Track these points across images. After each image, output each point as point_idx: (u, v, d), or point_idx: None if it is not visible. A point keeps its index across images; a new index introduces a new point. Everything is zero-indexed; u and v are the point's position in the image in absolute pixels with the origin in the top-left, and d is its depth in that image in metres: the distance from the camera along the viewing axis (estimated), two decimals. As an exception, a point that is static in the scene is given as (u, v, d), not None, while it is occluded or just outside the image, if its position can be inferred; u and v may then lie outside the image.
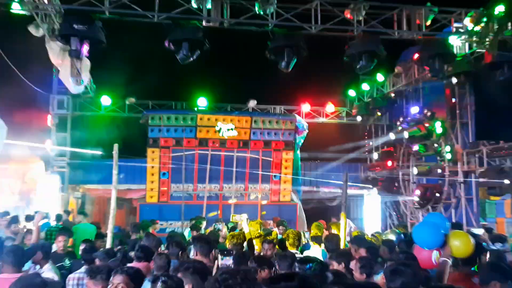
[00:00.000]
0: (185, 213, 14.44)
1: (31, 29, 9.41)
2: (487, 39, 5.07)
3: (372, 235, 9.64)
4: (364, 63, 10.19)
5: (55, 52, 10.42)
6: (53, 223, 10.76)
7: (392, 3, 10.55)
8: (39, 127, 15.37)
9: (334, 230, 8.91)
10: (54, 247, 7.55)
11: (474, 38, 5.10)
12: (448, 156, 14.00)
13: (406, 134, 14.68)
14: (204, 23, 9.71)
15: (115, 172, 8.44)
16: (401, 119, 16.06)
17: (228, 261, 3.48)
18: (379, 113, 17.33)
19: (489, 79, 11.64)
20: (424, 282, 4.04)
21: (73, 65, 10.75)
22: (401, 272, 3.68)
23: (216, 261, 3.49)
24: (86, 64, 11.48)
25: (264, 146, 16.37)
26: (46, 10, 9.47)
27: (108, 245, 7.45)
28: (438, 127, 13.93)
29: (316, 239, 8.07)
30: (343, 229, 7.38)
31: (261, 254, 6.69)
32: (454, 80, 12.62)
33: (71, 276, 5.70)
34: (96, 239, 8.58)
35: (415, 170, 15.31)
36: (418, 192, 14.83)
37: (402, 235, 7.70)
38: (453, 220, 13.90)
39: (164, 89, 17.04)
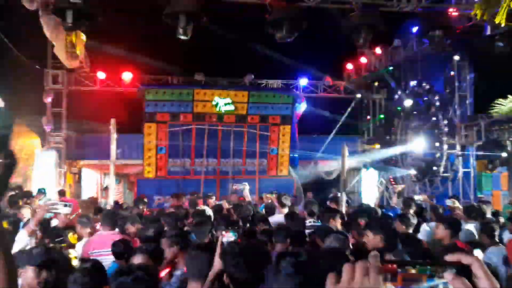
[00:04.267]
0: (183, 188, 14.45)
1: (25, 2, 9.20)
2: (491, 10, 4.99)
3: None
4: (363, 36, 10.08)
5: (50, 26, 10.24)
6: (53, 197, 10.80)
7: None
8: (34, 103, 15.26)
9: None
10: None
11: (480, 8, 5.01)
12: (446, 129, 14.00)
13: (408, 102, 14.64)
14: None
15: (113, 147, 8.42)
16: (399, 92, 16.03)
17: (231, 237, 3.42)
18: (376, 83, 17.28)
19: (488, 51, 11.57)
20: None
21: (68, 39, 10.58)
22: None
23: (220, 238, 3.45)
24: (81, 38, 11.32)
25: (261, 120, 16.32)
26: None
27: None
28: (436, 100, 13.91)
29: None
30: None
31: None
32: (457, 57, 12.56)
33: None
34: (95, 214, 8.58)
35: (413, 144, 15.33)
36: (415, 166, 14.89)
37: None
38: (450, 194, 14.01)
39: (160, 64, 16.85)
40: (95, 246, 5.47)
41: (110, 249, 4.81)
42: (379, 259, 1.01)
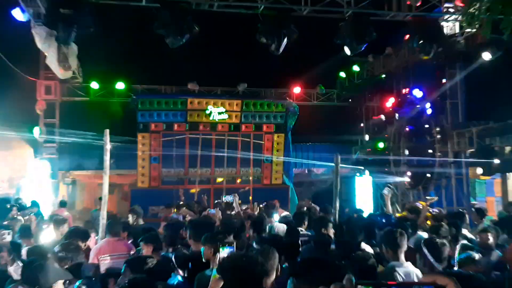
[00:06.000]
0: (177, 197, 14.39)
1: (16, 14, 9.20)
2: (478, 22, 5.04)
3: None
4: (355, 44, 10.14)
5: (42, 37, 10.23)
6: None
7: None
8: (27, 114, 15.20)
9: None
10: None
11: (465, 19, 5.06)
12: (438, 136, 14.05)
13: (396, 116, 14.72)
14: (192, 6, 9.56)
15: (106, 157, 8.36)
16: (392, 99, 16.09)
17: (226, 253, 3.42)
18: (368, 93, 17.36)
19: (479, 58, 11.65)
20: None
21: (60, 50, 10.57)
22: None
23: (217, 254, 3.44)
24: (74, 49, 11.31)
25: (255, 129, 16.34)
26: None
27: (101, 232, 7.39)
28: (428, 108, 13.98)
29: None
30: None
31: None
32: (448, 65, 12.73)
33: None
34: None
35: (406, 151, 15.38)
36: (409, 173, 14.92)
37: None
38: (444, 200, 14.04)
39: (153, 73, 16.86)
40: (104, 251, 5.99)
41: (116, 254, 5.76)
42: (353, 283, 1.02)
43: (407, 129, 14.86)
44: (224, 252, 3.40)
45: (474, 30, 5.62)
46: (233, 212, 9.80)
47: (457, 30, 12.12)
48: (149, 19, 9.51)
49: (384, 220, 8.44)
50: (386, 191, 9.81)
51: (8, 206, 9.67)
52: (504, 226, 6.92)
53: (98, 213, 8.81)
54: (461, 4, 10.20)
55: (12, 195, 13.49)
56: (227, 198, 12.16)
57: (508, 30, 4.97)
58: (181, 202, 12.97)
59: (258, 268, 2.78)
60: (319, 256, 3.90)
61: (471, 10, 5.05)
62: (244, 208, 10.83)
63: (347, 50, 10.37)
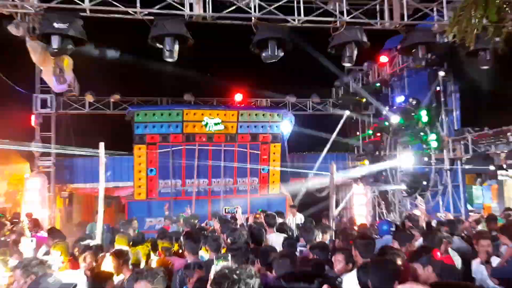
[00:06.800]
0: (174, 209, 14.39)
1: (11, 29, 9.23)
2: (463, 34, 5.11)
3: None
4: (349, 53, 10.21)
5: (37, 51, 10.27)
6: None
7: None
8: (22, 127, 15.21)
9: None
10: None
11: (453, 30, 5.12)
12: (434, 144, 14.09)
13: (395, 119, 14.78)
14: (186, 18, 9.62)
15: (102, 171, 8.37)
16: (387, 108, 16.16)
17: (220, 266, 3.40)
18: (363, 100, 17.42)
19: (472, 66, 11.71)
20: None
21: (56, 64, 10.60)
22: None
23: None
24: (69, 62, 11.34)
25: (251, 139, 16.36)
26: (25, 9, 9.30)
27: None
28: (424, 116, 14.02)
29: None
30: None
31: None
32: (442, 73, 12.78)
33: None
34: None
35: (402, 159, 15.41)
36: (405, 181, 14.95)
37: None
38: (441, 207, 14.04)
39: (148, 85, 16.90)
40: None
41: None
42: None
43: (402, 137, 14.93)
44: (218, 266, 3.38)
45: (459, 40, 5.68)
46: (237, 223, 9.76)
47: (450, 38, 12.19)
48: (143, 32, 9.57)
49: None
50: (420, 202, 9.86)
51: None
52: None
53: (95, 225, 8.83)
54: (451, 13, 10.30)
55: (8, 209, 13.47)
56: (229, 211, 12.07)
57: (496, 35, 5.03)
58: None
59: (251, 282, 2.76)
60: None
61: (456, 20, 5.10)
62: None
63: (341, 59, 10.48)
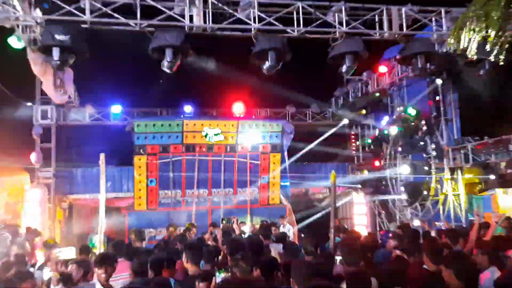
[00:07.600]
0: (174, 219, 14.35)
1: (12, 41, 9.27)
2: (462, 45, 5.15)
3: None
4: (348, 64, 10.26)
5: (37, 63, 10.31)
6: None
7: (373, 3, 10.65)
8: (23, 138, 15.22)
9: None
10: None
11: (451, 41, 5.17)
12: (434, 153, 14.11)
13: (393, 130, 14.82)
14: (187, 29, 9.67)
15: (102, 181, 8.39)
16: (386, 117, 16.20)
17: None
18: (363, 111, 17.45)
19: (471, 75, 11.77)
20: None
21: (56, 75, 10.64)
22: None
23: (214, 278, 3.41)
24: (70, 74, 11.39)
25: (251, 149, 16.38)
26: (26, 21, 9.35)
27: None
28: (423, 125, 14.06)
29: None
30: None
31: None
32: (439, 81, 12.81)
33: None
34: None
35: (402, 169, 15.42)
36: (405, 190, 14.95)
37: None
38: (442, 217, 14.03)
39: (148, 96, 16.95)
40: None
41: (124, 274, 5.94)
42: None
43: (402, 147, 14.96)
44: (219, 277, 3.39)
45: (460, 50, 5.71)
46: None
47: (452, 48, 12.23)
48: (144, 43, 9.62)
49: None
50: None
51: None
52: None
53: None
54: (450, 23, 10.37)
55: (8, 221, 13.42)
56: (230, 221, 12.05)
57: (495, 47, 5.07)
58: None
59: None
60: None
61: (457, 32, 5.15)
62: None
63: (340, 69, 10.52)
